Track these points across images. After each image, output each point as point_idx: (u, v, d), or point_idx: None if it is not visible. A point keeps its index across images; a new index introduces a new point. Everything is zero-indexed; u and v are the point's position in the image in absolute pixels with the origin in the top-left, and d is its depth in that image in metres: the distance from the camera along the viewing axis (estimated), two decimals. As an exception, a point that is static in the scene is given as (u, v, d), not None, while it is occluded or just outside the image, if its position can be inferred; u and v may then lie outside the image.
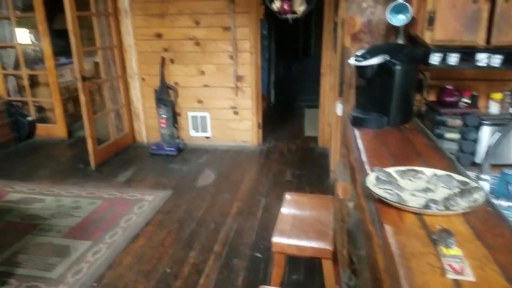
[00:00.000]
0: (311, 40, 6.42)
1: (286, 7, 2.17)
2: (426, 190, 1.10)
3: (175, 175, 3.97)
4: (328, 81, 4.22)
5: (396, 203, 1.01)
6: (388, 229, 0.97)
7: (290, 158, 4.40)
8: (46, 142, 4.89)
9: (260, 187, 3.67)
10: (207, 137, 4.78)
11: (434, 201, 1.01)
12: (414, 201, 1.04)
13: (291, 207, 1.88)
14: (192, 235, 2.90)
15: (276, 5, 2.21)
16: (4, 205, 3.26)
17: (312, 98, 6.37)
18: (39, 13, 4.43)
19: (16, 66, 4.87)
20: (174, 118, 4.59)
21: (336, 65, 3.36)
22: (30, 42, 5.46)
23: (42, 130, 4.99)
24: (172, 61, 4.48)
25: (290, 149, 4.67)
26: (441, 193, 1.08)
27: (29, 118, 4.86)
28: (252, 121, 4.63)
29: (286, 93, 6.68)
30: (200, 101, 4.63)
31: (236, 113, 4.62)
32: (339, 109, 2.19)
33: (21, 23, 4.89)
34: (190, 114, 4.69)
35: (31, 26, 5.37)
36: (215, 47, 4.36)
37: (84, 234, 2.86)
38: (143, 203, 3.36)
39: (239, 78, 4.44)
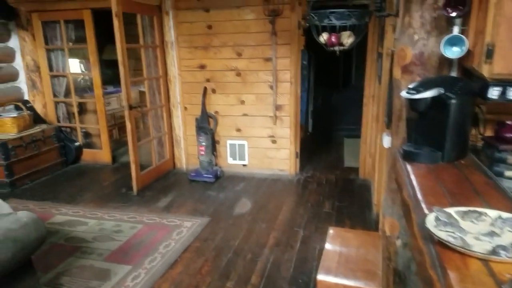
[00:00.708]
0: (352, 69, 6.42)
1: (333, 39, 2.18)
2: (492, 234, 1.02)
3: (213, 202, 3.98)
4: (370, 111, 4.16)
5: (460, 247, 0.94)
6: (452, 275, 0.90)
7: (329, 188, 4.31)
8: (91, 167, 5.09)
9: (297, 218, 3.60)
10: (245, 165, 4.80)
11: (503, 247, 0.93)
12: (480, 246, 0.96)
13: (336, 243, 1.81)
14: (229, 265, 2.86)
15: (323, 38, 2.22)
16: (50, 227, 3.37)
17: (351, 127, 6.31)
18: (91, 45, 4.72)
19: (67, 94, 5.18)
20: (213, 145, 4.66)
21: (380, 95, 3.31)
22: (80, 72, 5.84)
23: (88, 155, 5.21)
24: (213, 91, 4.61)
25: (329, 180, 4.58)
26: (508, 238, 1.00)
27: (77, 143, 5.11)
28: (290, 150, 4.61)
29: (324, 122, 6.65)
30: (238, 130, 4.68)
31: (274, 142, 4.62)
32: (386, 141, 2.12)
33: (73, 54, 5.24)
34: (229, 142, 4.75)
35: (82, 56, 5.74)
36: (255, 78, 4.45)
37: (124, 258, 2.90)
38: (181, 229, 3.37)
39: (278, 108, 4.47)
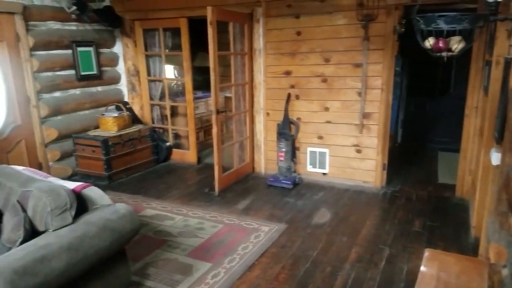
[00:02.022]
0: (451, 76, 5.90)
1: (441, 44, 1.99)
2: None
3: (290, 209, 3.93)
4: (473, 124, 3.76)
5: None
6: None
7: (419, 206, 3.98)
8: (179, 166, 5.40)
9: (383, 235, 3.37)
10: (325, 174, 4.67)
11: None
12: None
13: (433, 266, 1.64)
14: (306, 275, 2.78)
15: (429, 43, 2.04)
16: (141, 219, 3.63)
17: (446, 140, 5.80)
18: (185, 52, 5.03)
19: (161, 97, 5.58)
20: (293, 152, 4.63)
21: (485, 107, 2.97)
22: (174, 77, 6.25)
23: (176, 154, 5.55)
24: (297, 97, 4.58)
25: (420, 196, 4.23)
26: None
27: (167, 144, 5.46)
28: (377, 161, 4.36)
29: (416, 133, 6.20)
30: (320, 137, 4.58)
31: (358, 151, 4.43)
32: (495, 158, 1.88)
33: (168, 60, 5.64)
34: (309, 149, 4.67)
35: (176, 63, 6.15)
36: (342, 84, 4.32)
37: (205, 256, 2.99)
38: (259, 233, 3.38)
39: (365, 116, 4.28)
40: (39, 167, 4.40)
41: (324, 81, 4.40)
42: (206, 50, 3.92)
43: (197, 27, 5.07)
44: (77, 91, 4.81)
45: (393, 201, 4.12)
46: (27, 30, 4.14)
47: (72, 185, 2.20)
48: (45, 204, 1.83)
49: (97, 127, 4.93)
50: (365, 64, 4.13)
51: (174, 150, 5.55)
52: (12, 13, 3.98)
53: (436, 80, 6.06)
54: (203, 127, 6.31)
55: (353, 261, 2.96)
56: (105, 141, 4.55)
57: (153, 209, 3.89)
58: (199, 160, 5.49)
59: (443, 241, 3.24)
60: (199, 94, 6.27)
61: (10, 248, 1.70)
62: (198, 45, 5.58)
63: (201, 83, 6.66)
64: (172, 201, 4.12)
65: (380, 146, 4.31)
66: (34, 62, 4.22)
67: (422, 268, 1.62)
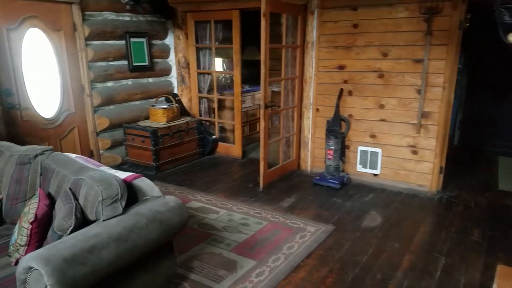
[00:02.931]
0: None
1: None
2: None
3: (338, 210, 3.77)
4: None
5: None
6: None
7: (478, 213, 3.67)
8: (224, 159, 5.39)
9: (438, 243, 3.13)
10: (375, 175, 4.44)
11: None
12: None
13: (508, 286, 1.44)
14: (355, 281, 2.63)
15: (512, 37, 1.81)
16: (187, 211, 3.64)
17: (509, 145, 5.34)
18: (236, 44, 4.97)
19: (209, 90, 5.58)
20: (342, 150, 4.44)
21: None
22: (222, 70, 6.24)
23: (222, 148, 5.54)
24: (350, 93, 4.38)
25: (478, 203, 3.91)
26: None
27: (214, 137, 5.46)
28: (434, 164, 4.07)
29: (474, 135, 5.75)
30: (373, 136, 4.35)
31: (414, 152, 4.15)
32: None
33: (217, 53, 5.61)
34: (360, 148, 4.46)
35: (226, 56, 6.14)
36: (400, 80, 4.06)
37: (249, 252, 2.92)
38: (305, 233, 3.26)
39: (424, 115, 4.00)
40: (90, 154, 4.56)
41: (381, 76, 4.16)
42: (255, 43, 3.84)
43: (247, 21, 4.99)
44: (129, 82, 4.91)
45: (449, 207, 3.84)
46: (83, 20, 4.26)
47: (123, 175, 2.20)
48: (97, 193, 1.82)
49: (147, 117, 5.02)
50: (426, 60, 3.85)
51: (220, 143, 5.54)
52: (70, 3, 4.10)
53: (502, 79, 5.56)
54: (249, 121, 6.27)
55: (406, 269, 2.76)
56: (154, 132, 4.62)
57: (198, 201, 3.88)
58: (244, 154, 5.44)
59: (504, 253, 2.96)
60: (246, 88, 6.22)
61: (61, 236, 1.72)
62: (247, 39, 5.51)
63: (249, 77, 6.60)
64: (216, 195, 4.10)
65: (438, 148, 4.03)
66: (89, 51, 4.35)
67: (495, 287, 1.43)
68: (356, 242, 3.17)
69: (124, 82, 4.85)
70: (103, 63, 4.55)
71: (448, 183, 4.31)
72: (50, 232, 1.78)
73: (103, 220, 1.79)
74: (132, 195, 2.10)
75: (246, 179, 4.60)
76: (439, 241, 3.16)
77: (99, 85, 4.55)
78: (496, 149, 5.53)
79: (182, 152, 5.05)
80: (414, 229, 3.38)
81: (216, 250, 2.96)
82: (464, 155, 5.55)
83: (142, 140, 4.68)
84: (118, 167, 4.86)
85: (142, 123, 4.87)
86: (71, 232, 1.72)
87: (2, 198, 2.23)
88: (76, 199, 1.90)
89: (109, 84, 4.68)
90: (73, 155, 2.37)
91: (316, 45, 4.41)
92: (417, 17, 3.82)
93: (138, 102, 5.06)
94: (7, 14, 3.61)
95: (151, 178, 4.49)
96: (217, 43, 5.36)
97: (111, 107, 4.72)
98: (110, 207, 1.82)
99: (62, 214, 1.76)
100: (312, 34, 4.40)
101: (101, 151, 4.69)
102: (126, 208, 1.91)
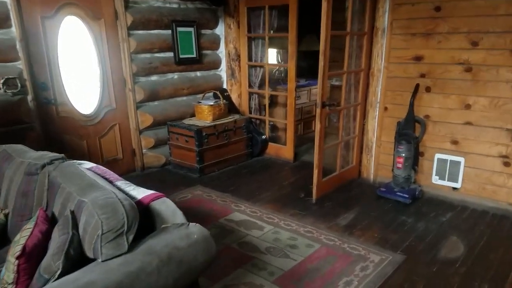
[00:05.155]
0: None
1: None
2: None
3: (408, 232, 3.11)
4: None
5: None
6: None
7: None
8: (273, 162, 4.88)
9: (547, 290, 2.38)
10: (455, 189, 3.68)
11: None
12: None
13: None
14: None
15: None
16: (227, 224, 3.20)
17: None
18: (292, 34, 4.40)
19: (260, 85, 5.07)
20: (415, 158, 3.72)
21: None
22: (277, 62, 5.69)
23: (272, 149, 5.03)
24: (427, 89, 3.63)
25: None
26: None
27: (263, 137, 4.97)
28: (532, 180, 3.25)
29: None
30: (455, 142, 3.59)
31: (507, 164, 3.35)
32: None
33: (271, 43, 5.06)
34: (438, 156, 3.71)
35: (280, 46, 5.58)
36: (494, 75, 3.26)
37: (296, 286, 2.40)
38: (367, 263, 2.66)
39: (523, 119, 3.18)
40: (133, 153, 4.30)
41: (468, 70, 3.37)
42: (314, 32, 3.26)
43: (305, 6, 4.39)
44: (175, 76, 4.57)
45: (554, 236, 3.02)
46: (126, 7, 3.94)
47: (141, 193, 1.79)
48: (97, 223, 1.41)
49: (193, 114, 4.65)
50: (531, 50, 3.03)
51: (270, 144, 5.03)
52: (112, -12, 3.81)
53: None
54: (303, 119, 5.70)
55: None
56: (198, 132, 4.23)
57: (242, 212, 3.42)
58: (296, 156, 4.88)
59: None
60: (302, 82, 5.63)
61: (47, 280, 1.32)
62: (305, 28, 4.91)
63: (305, 70, 6.00)
64: (263, 205, 3.61)
65: (539, 161, 3.19)
66: (131, 42, 4.04)
67: None
68: (433, 279, 2.52)
69: (169, 75, 4.51)
70: (147, 55, 4.23)
71: (549, 204, 3.44)
72: (36, 274, 1.40)
73: (102, 261, 1.37)
74: (148, 220, 1.68)
75: (297, 187, 4.05)
76: (547, 288, 2.40)
77: (142, 79, 4.25)
78: None
79: (229, 154, 4.62)
80: (507, 264, 2.66)
81: (256, 279, 2.47)
82: None
83: (186, 140, 4.31)
84: (162, 167, 4.56)
85: (187, 121, 4.50)
86: (61, 275, 1.33)
87: (8, 213, 1.94)
88: (76, 227, 1.51)
89: (153, 78, 4.35)
90: (87, 165, 2.01)
91: (388, 31, 3.69)
92: (522, -5, 3.00)
93: (184, 98, 4.70)
94: (43, 1, 3.36)
95: (194, 181, 4.15)
96: (271, 31, 4.84)
97: (155, 103, 4.41)
98: (112, 243, 1.40)
99: (53, 250, 1.38)
100: (383, 18, 3.69)
101: (144, 150, 4.40)
102: (136, 241, 1.48)
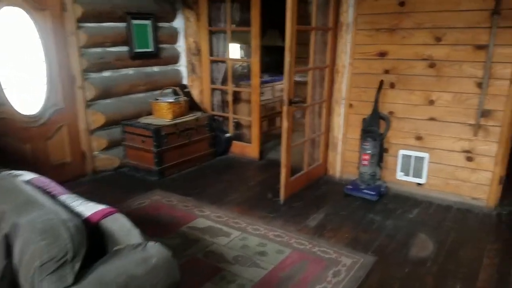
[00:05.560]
0: None
1: None
2: None
3: (377, 231, 3.07)
4: None
5: None
6: None
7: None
8: (238, 161, 4.70)
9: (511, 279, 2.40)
10: (420, 184, 3.69)
11: None
12: None
13: None
14: None
15: None
16: (191, 232, 2.98)
17: None
18: (255, 27, 4.22)
19: (223, 81, 4.87)
20: (380, 155, 3.69)
21: None
22: (240, 58, 5.49)
23: (236, 147, 4.84)
24: (392, 85, 3.60)
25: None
26: None
27: (227, 135, 4.76)
28: (494, 173, 3.32)
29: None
30: (419, 138, 3.59)
31: (470, 159, 3.40)
32: None
33: (234, 38, 4.86)
34: (402, 152, 3.71)
35: (243, 41, 5.38)
36: (457, 71, 3.27)
37: (268, 299, 2.25)
38: (339, 267, 2.56)
39: (485, 114, 3.22)
40: (83, 156, 3.93)
41: (432, 66, 3.37)
42: (276, 27, 3.11)
43: (267, 0, 4.23)
44: (130, 71, 4.24)
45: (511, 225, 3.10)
46: (75, -2, 3.59)
47: (91, 209, 1.54)
48: (35, 252, 1.17)
49: (150, 113, 4.34)
50: (492, 46, 3.08)
51: (234, 142, 4.84)
52: (59, -23, 3.43)
53: None
54: (268, 116, 5.55)
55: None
56: (157, 131, 3.95)
57: (207, 218, 3.21)
58: (261, 154, 4.73)
59: None
60: (266, 78, 5.47)
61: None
62: (267, 22, 4.75)
63: (269, 65, 5.84)
64: (228, 208, 3.42)
65: (500, 155, 3.27)
66: (81, 35, 3.67)
67: None
68: (407, 281, 2.46)
69: (124, 71, 4.18)
70: (99, 49, 3.88)
71: (506, 196, 3.52)
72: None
73: (41, 299, 1.13)
74: (98, 241, 1.45)
75: (264, 187, 3.90)
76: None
77: (93, 75, 3.89)
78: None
79: (191, 154, 4.37)
80: (475, 260, 2.67)
81: (225, 293, 2.29)
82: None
83: (143, 140, 4.01)
84: (116, 170, 4.23)
85: (143, 120, 4.19)
86: (-13, 321, 1.07)
87: None
88: (10, 255, 1.25)
89: (106, 74, 4.01)
90: (26, 177, 1.71)
91: (353, 27, 3.62)
92: (482, -8, 3.02)
93: (141, 95, 4.39)
94: (-25, -11, 2.97)
95: (153, 185, 3.86)
96: (233, 25, 4.62)
97: (108, 100, 4.06)
98: (54, 276, 1.16)
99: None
100: (348, 13, 3.60)
101: (95, 153, 4.05)
102: (84, 270, 1.25)
